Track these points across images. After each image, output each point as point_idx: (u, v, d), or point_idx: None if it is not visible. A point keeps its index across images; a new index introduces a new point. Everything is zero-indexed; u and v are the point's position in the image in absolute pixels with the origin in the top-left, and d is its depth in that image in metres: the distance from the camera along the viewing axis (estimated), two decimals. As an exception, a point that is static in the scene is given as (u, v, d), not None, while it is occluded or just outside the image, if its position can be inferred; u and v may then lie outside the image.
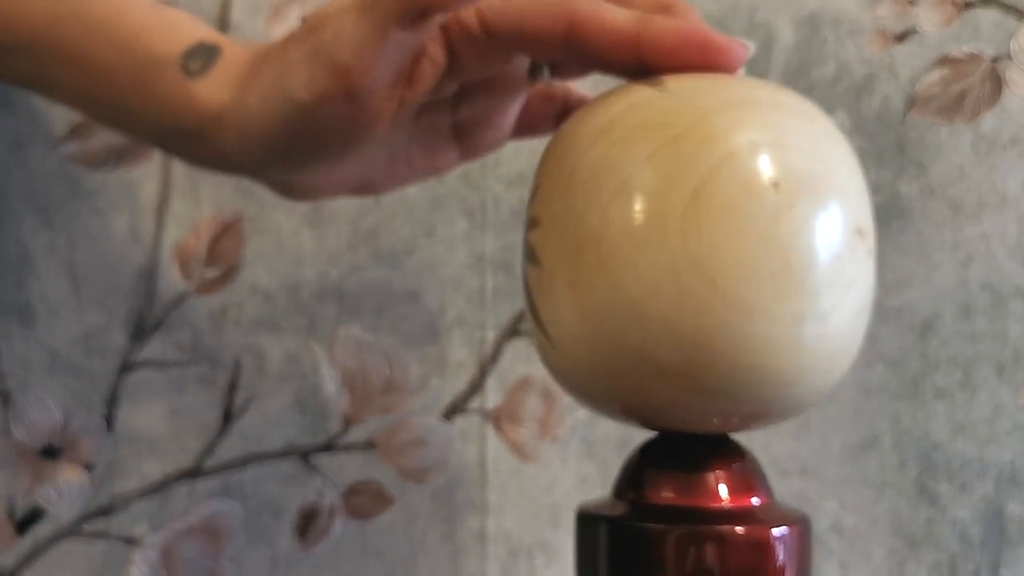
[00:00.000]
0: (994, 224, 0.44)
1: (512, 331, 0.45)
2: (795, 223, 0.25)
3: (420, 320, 0.45)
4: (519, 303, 0.45)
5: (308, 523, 0.45)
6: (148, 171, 0.45)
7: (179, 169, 0.45)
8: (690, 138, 0.25)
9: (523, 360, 0.45)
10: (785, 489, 0.46)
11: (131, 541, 0.45)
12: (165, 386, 0.45)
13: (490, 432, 0.45)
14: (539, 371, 0.45)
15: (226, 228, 0.45)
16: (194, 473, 0.45)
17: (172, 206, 0.45)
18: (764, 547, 0.27)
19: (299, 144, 0.29)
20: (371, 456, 0.45)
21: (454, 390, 0.45)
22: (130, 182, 0.45)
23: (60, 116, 0.44)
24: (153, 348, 0.45)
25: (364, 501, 0.45)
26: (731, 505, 0.28)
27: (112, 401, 0.45)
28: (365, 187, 0.34)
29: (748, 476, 0.29)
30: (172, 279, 0.45)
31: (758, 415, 0.27)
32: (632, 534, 0.27)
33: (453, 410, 0.45)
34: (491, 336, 0.45)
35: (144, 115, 0.31)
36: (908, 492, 0.45)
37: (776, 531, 0.27)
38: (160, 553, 0.45)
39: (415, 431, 0.45)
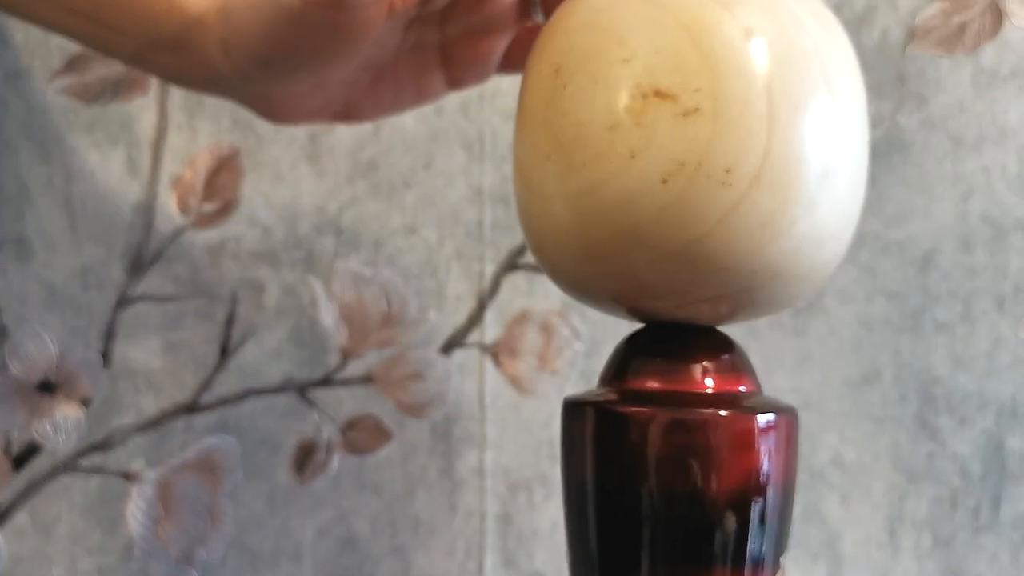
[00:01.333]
0: (994, 157, 0.45)
1: (511, 264, 0.45)
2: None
3: (418, 254, 0.45)
4: (518, 236, 0.45)
5: (306, 458, 0.45)
6: (145, 104, 0.45)
7: (176, 102, 0.45)
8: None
9: (522, 294, 0.45)
10: (785, 423, 0.46)
11: (128, 476, 0.45)
12: (162, 321, 0.45)
13: (489, 366, 0.45)
14: (538, 305, 0.45)
15: (223, 162, 0.45)
16: (191, 408, 0.45)
17: (169, 140, 0.45)
18: (749, 433, 0.27)
19: (285, 51, 0.29)
20: (369, 390, 0.45)
21: (453, 324, 0.45)
22: (127, 115, 0.45)
23: (56, 49, 0.44)
24: (150, 282, 0.45)
25: (362, 436, 0.45)
26: (716, 391, 0.28)
27: (109, 336, 0.45)
28: (351, 111, 0.34)
29: (736, 367, 0.29)
30: (169, 213, 0.45)
31: (748, 297, 0.27)
32: (617, 419, 0.28)
33: (452, 344, 0.45)
34: (490, 270, 0.45)
35: (124, 24, 0.31)
36: (908, 426, 0.45)
37: (762, 418, 0.27)
38: (157, 488, 0.45)
39: (413, 365, 0.45)
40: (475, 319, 0.46)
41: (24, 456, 0.46)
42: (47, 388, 0.46)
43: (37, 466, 0.46)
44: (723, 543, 0.28)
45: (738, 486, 0.28)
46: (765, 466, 0.28)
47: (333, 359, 0.46)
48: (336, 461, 0.46)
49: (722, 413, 0.28)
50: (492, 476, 0.46)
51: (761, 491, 0.28)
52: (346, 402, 0.46)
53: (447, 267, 0.46)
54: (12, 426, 0.46)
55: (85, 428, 0.46)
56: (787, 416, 0.29)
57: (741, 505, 0.28)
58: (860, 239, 0.45)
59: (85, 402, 0.46)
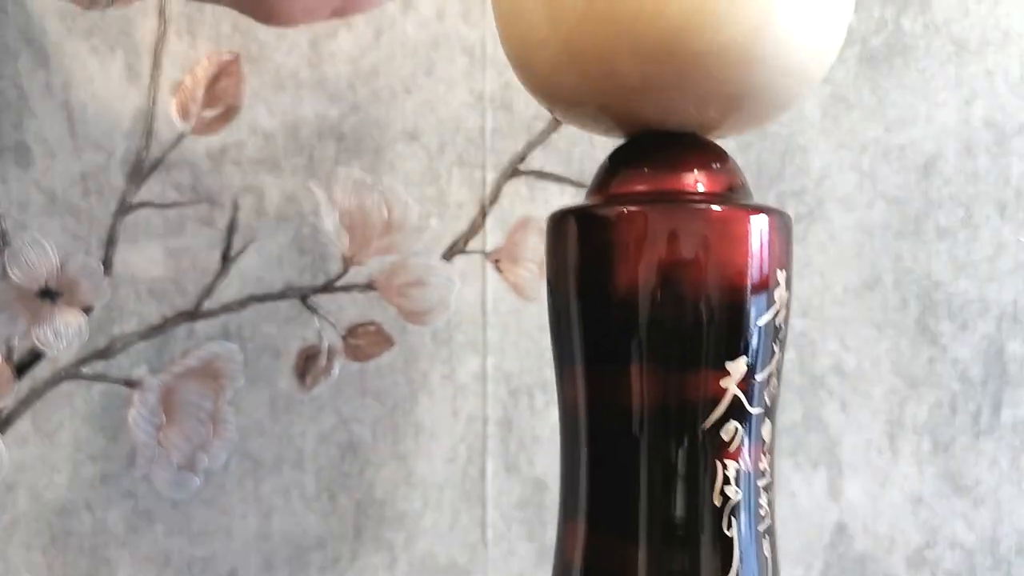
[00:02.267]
0: (997, 61, 0.45)
1: (512, 171, 0.45)
2: None
3: (419, 160, 0.45)
4: (520, 143, 0.46)
5: (307, 364, 0.45)
6: (144, 8, 0.45)
7: (175, 8, 0.45)
8: None
9: (523, 200, 0.45)
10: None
11: (130, 383, 0.45)
12: (163, 227, 0.45)
13: (490, 272, 0.45)
14: (539, 211, 0.45)
15: (224, 68, 0.45)
16: (193, 315, 0.45)
17: (169, 46, 0.45)
18: (742, 229, 0.27)
19: None
20: (371, 297, 0.45)
21: (454, 231, 0.45)
22: (126, 21, 0.45)
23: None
24: (151, 189, 0.45)
25: (364, 342, 0.45)
26: (708, 192, 0.28)
27: (110, 242, 0.45)
28: (349, 3, 0.33)
29: (727, 172, 0.29)
30: (170, 120, 0.45)
31: (735, 97, 0.27)
32: (600, 222, 0.28)
33: (453, 251, 0.45)
34: (491, 176, 0.45)
35: None
36: (909, 332, 0.45)
37: (755, 216, 0.27)
38: (159, 395, 0.45)
39: (415, 272, 0.45)
40: (476, 226, 0.46)
41: (26, 363, 0.46)
42: (48, 295, 0.46)
43: (39, 373, 0.46)
44: (715, 344, 0.28)
45: (730, 285, 0.28)
46: (758, 265, 0.28)
47: (334, 266, 0.46)
48: (338, 367, 0.46)
49: (715, 208, 0.28)
50: (493, 382, 0.46)
51: (755, 290, 0.28)
52: (348, 309, 0.46)
53: (448, 174, 0.46)
54: (14, 333, 0.46)
55: (87, 335, 0.46)
56: (780, 219, 0.29)
57: (734, 305, 0.28)
58: (861, 145, 0.45)
59: (86, 309, 0.46)
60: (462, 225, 0.46)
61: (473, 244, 0.46)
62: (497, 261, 0.46)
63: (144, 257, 0.46)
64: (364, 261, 0.46)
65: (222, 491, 0.47)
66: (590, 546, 0.29)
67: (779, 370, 0.29)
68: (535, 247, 0.46)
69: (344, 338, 0.47)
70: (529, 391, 0.47)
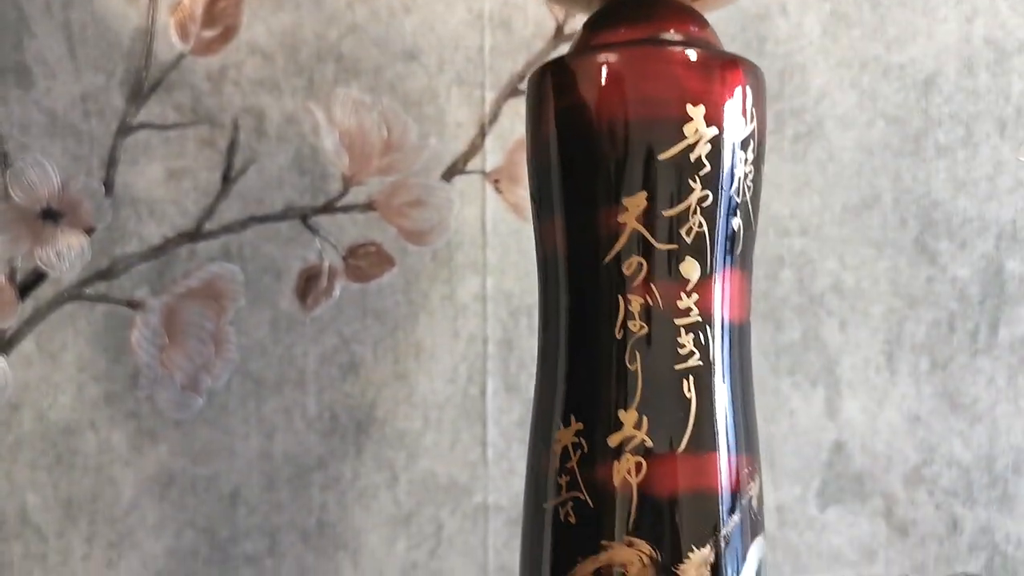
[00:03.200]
0: (998, -23, 0.45)
1: (511, 91, 0.45)
2: None
3: (418, 80, 0.45)
4: (519, 62, 0.46)
5: (308, 285, 0.46)
6: (143, -72, 0.45)
7: (174, -76, 0.45)
8: None
9: (523, 120, 0.45)
10: (785, 248, 0.46)
11: (132, 304, 0.46)
12: (164, 148, 0.45)
13: (490, 192, 0.46)
14: (539, 130, 0.45)
15: (222, -12, 0.45)
16: (194, 236, 0.46)
17: (167, -34, 0.45)
18: (651, 69, 0.29)
19: None
20: (371, 217, 0.46)
21: (453, 151, 0.46)
22: (124, -59, 0.45)
23: None
24: (151, 110, 0.45)
25: (364, 263, 0.46)
26: (683, 41, 0.30)
27: (111, 163, 0.46)
28: None
29: (705, 35, 0.29)
30: (169, 40, 0.45)
31: None
32: (575, 69, 0.30)
33: (452, 171, 0.46)
34: (490, 96, 0.45)
35: None
36: (908, 251, 0.46)
37: (727, 63, 0.29)
38: (161, 316, 0.46)
39: (415, 192, 0.45)
40: (476, 146, 0.46)
41: (29, 284, 0.47)
42: (50, 216, 0.46)
43: (42, 294, 0.47)
44: (613, 179, 0.30)
45: (624, 120, 0.29)
46: (731, 110, 0.29)
47: (335, 186, 0.46)
48: (339, 288, 0.47)
49: (689, 52, 0.29)
50: (493, 302, 0.46)
51: (655, 124, 0.29)
52: (348, 229, 0.46)
53: (447, 94, 0.46)
54: (16, 254, 0.46)
55: (89, 256, 0.46)
56: (755, 70, 0.29)
57: (630, 139, 0.29)
58: (861, 63, 0.45)
59: (88, 230, 0.46)
60: (461, 145, 0.47)
61: (472, 164, 0.47)
62: (496, 181, 0.47)
63: (145, 178, 0.47)
64: (364, 181, 0.47)
65: (224, 411, 0.47)
66: (537, 384, 0.33)
67: (711, 209, 0.30)
68: (534, 167, 0.46)
69: (345, 259, 0.47)
70: (529, 311, 0.47)
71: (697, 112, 0.29)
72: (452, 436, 0.48)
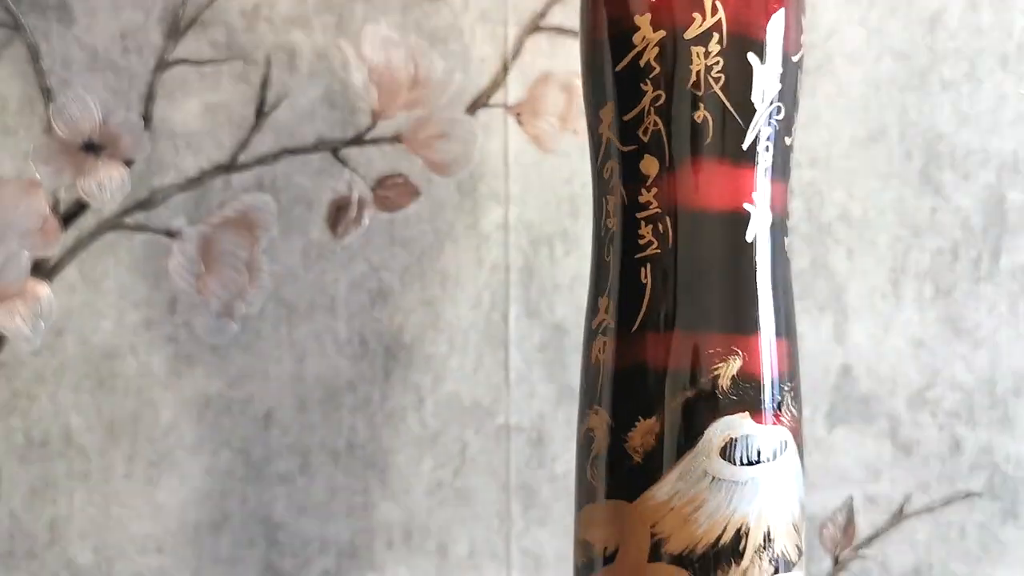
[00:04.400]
0: (1002, -83, 0.47)
1: (534, 27, 0.48)
2: None
3: (443, 17, 0.47)
4: (540, 0, 0.48)
5: (339, 215, 0.48)
6: None
7: None
8: None
9: (544, 55, 0.48)
10: (795, 180, 0.48)
11: (170, 233, 0.48)
12: (200, 83, 0.48)
13: (512, 125, 0.48)
14: (560, 66, 0.48)
15: (255, -71, 0.47)
16: (229, 168, 0.48)
17: (202, -92, 0.47)
18: None
19: None
20: (398, 150, 0.48)
21: (477, 86, 0.48)
22: None
23: None
24: (188, 47, 0.48)
25: (392, 193, 0.48)
26: None
27: (149, 98, 0.48)
28: None
29: None
30: (204, -21, 0.47)
31: None
32: None
33: (476, 105, 0.48)
34: (513, 32, 0.48)
35: None
36: (913, 182, 0.48)
37: None
38: (198, 245, 0.48)
39: (440, 125, 0.48)
40: (499, 81, 0.49)
41: (72, 214, 0.49)
42: (91, 149, 0.49)
43: (84, 224, 0.49)
44: (593, 92, 0.35)
45: (592, 37, 0.34)
46: (615, 15, 0.33)
47: (364, 120, 0.49)
48: (367, 217, 0.49)
49: None
50: (515, 231, 0.49)
51: (611, 39, 0.33)
52: (376, 161, 0.49)
53: (471, 30, 0.48)
54: (60, 185, 0.49)
55: (128, 187, 0.49)
56: None
57: (596, 54, 0.34)
58: (869, 0, 0.47)
59: (128, 162, 0.49)
60: (485, 80, 0.49)
61: (495, 98, 0.49)
62: (518, 114, 0.49)
63: (182, 112, 0.49)
64: (392, 115, 0.49)
65: (258, 336, 0.50)
66: None
67: (664, 107, 0.33)
68: (555, 101, 0.49)
69: (373, 189, 0.49)
70: (549, 240, 0.49)
71: (644, 20, 0.33)
72: (476, 360, 0.50)
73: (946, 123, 0.49)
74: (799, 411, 0.35)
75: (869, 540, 0.51)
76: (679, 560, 0.33)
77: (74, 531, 0.51)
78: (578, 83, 0.48)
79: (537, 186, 0.50)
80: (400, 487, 0.51)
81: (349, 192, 0.50)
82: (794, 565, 0.34)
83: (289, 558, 0.51)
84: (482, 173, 0.50)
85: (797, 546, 0.34)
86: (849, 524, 0.51)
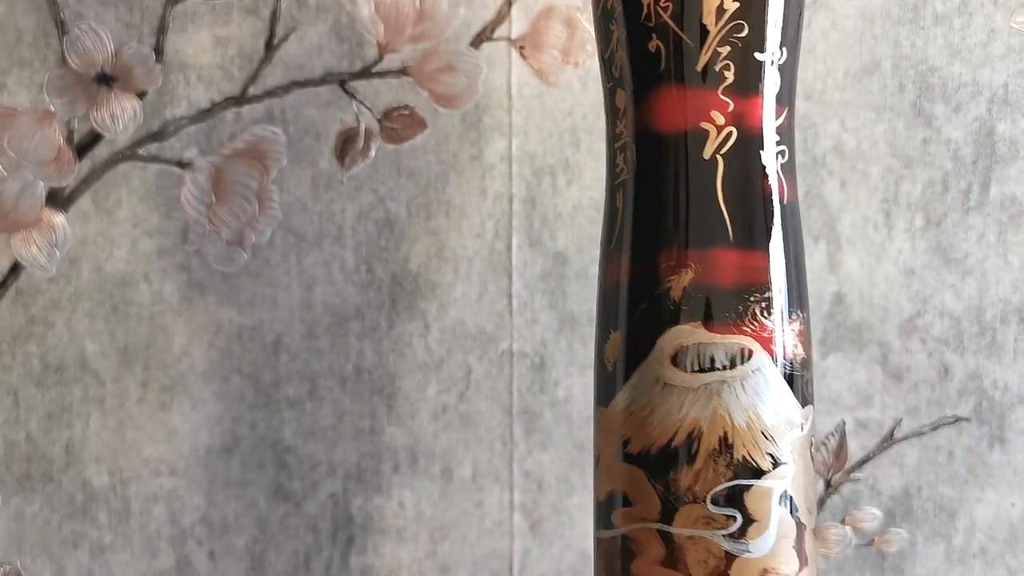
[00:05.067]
0: None
1: (536, -38, 0.49)
2: None
3: (449, -48, 0.48)
4: (543, -66, 0.49)
5: (346, 146, 0.50)
6: None
7: None
8: None
9: (547, -10, 0.49)
10: (791, 112, 0.50)
11: (182, 164, 0.50)
12: (211, 17, 0.49)
13: (515, 59, 0.49)
14: (561, 1, 0.48)
15: None
16: (239, 100, 0.49)
17: None
18: None
19: None
20: (404, 82, 0.49)
21: (482, 19, 0.49)
22: None
23: None
24: (198, -20, 0.49)
25: (399, 125, 0.50)
26: None
27: (161, 31, 0.49)
28: None
29: None
30: (214, -86, 0.48)
31: None
32: None
33: (481, 38, 0.49)
34: (516, -33, 0.49)
35: None
36: (905, 114, 0.49)
37: None
38: (209, 175, 0.50)
39: (445, 58, 0.49)
40: (502, 14, 0.50)
41: (86, 145, 0.50)
42: (105, 81, 0.50)
43: (98, 154, 0.50)
44: (601, 41, 0.37)
45: None
46: None
47: (371, 53, 0.50)
48: (374, 148, 0.50)
49: None
50: (518, 162, 0.50)
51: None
52: (383, 93, 0.50)
53: (476, -35, 0.49)
54: (74, 116, 0.50)
55: (141, 118, 0.50)
56: None
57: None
58: (865, -64, 0.48)
59: (140, 94, 0.50)
60: (489, 13, 0.50)
61: (499, 32, 0.50)
62: (522, 48, 0.50)
63: (193, 45, 0.50)
64: (398, 48, 0.50)
65: (268, 265, 0.51)
66: None
67: (625, 43, 0.36)
68: (557, 34, 0.50)
69: (380, 121, 0.51)
70: (551, 171, 0.51)
71: None
72: (480, 288, 0.52)
73: (938, 56, 0.50)
74: (783, 322, 0.36)
75: (860, 464, 0.53)
76: (637, 460, 0.35)
77: (89, 454, 0.52)
78: (579, 16, 0.50)
79: (540, 118, 0.51)
80: (406, 412, 0.52)
81: (356, 124, 0.51)
82: (765, 473, 0.35)
83: (297, 481, 0.53)
84: (486, 105, 0.51)
85: (770, 455, 0.35)
86: (841, 448, 0.53)
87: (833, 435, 0.52)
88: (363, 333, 0.52)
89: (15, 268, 0.51)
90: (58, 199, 0.51)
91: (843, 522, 0.53)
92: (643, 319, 0.35)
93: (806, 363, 0.36)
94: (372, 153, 0.51)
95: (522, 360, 0.52)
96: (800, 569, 0.35)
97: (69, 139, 0.51)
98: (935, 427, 0.52)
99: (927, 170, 0.51)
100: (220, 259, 0.52)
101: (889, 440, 0.53)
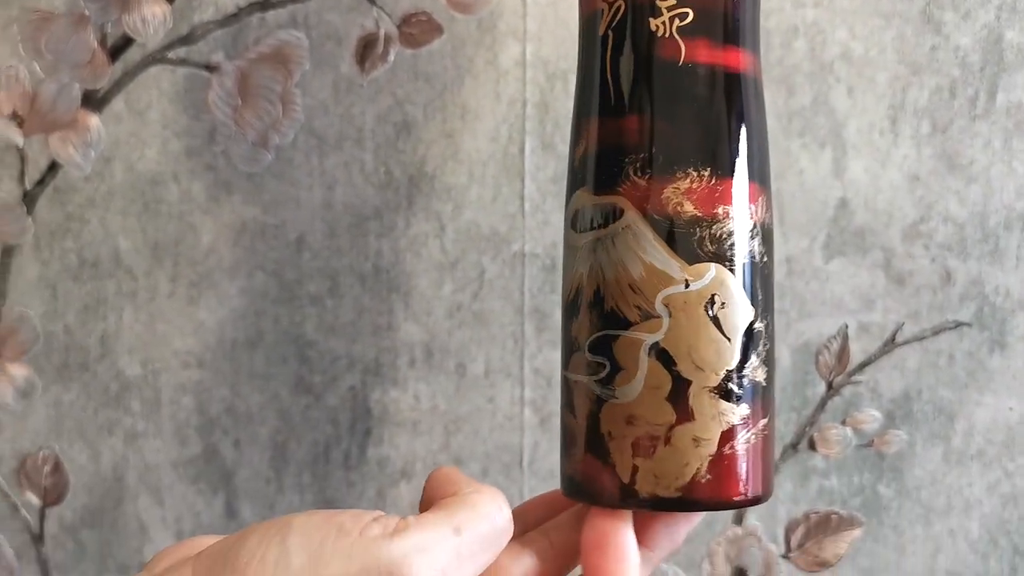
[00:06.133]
0: None
1: None
2: None
3: None
4: None
5: (366, 51, 0.52)
6: None
7: None
8: None
9: (561, -103, 0.50)
10: (799, 19, 0.51)
11: (210, 67, 0.52)
12: (236, -76, 0.51)
13: (530, -35, 0.50)
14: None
15: None
16: (264, 5, 0.52)
17: None
18: None
19: None
20: (422, -12, 0.51)
21: (498, -73, 0.50)
22: None
23: None
24: None
25: (416, 31, 0.51)
26: None
27: (190, -62, 0.51)
28: None
29: None
30: None
31: None
32: None
33: (497, -55, 0.51)
34: None
35: None
36: (914, 21, 0.50)
37: None
38: (235, 78, 0.52)
39: (462, -35, 0.50)
40: (518, -78, 0.51)
41: (119, 48, 0.53)
42: (136, -14, 0.52)
43: (130, 57, 0.53)
44: None
45: None
46: None
47: (390, -41, 0.52)
48: (393, 53, 0.52)
49: None
50: (532, 67, 0.52)
51: None
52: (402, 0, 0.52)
53: None
54: (107, 21, 0.53)
55: (171, 23, 0.52)
56: None
57: None
58: None
59: (170, 0, 0.52)
60: (505, -79, 0.52)
61: (515, -61, 0.52)
62: (536, -45, 0.52)
63: (220, -49, 0.52)
64: (416, -45, 0.52)
65: (290, 165, 0.54)
66: None
67: None
68: (571, -59, 0.51)
69: (399, 27, 0.53)
70: (564, 75, 0.52)
71: None
72: (494, 190, 0.54)
73: (947, -36, 0.51)
74: (663, 181, 0.37)
75: (862, 367, 0.54)
76: (563, 310, 0.39)
77: (123, 346, 0.56)
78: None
79: (553, 23, 0.53)
80: (422, 309, 0.55)
81: (376, 29, 0.53)
82: (632, 325, 0.37)
83: (318, 374, 0.55)
84: (501, 11, 0.53)
85: (637, 307, 0.37)
86: (843, 351, 0.54)
87: (835, 338, 0.54)
88: (381, 233, 0.54)
89: (53, 167, 0.54)
90: (92, 101, 0.54)
91: (843, 423, 0.55)
92: (568, 190, 0.40)
93: (698, 220, 0.36)
94: (391, 58, 0.53)
95: (533, 261, 0.54)
96: (679, 422, 0.36)
97: (103, 42, 0.53)
98: (936, 331, 0.54)
99: (935, 77, 0.52)
100: (245, 160, 0.54)
101: (891, 344, 0.54)
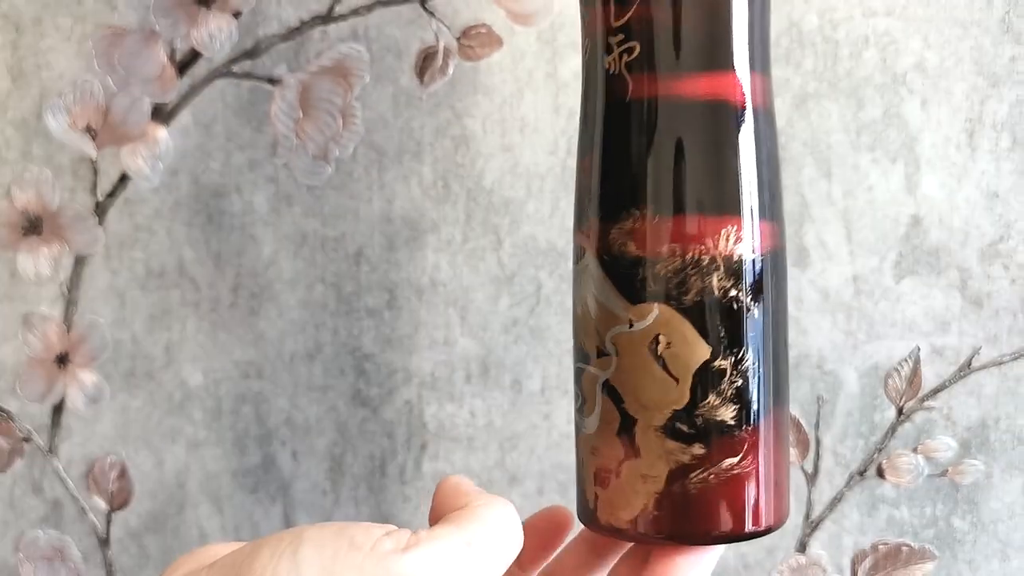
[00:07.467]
0: None
1: None
2: None
3: None
4: None
5: (426, 64, 0.52)
6: None
7: None
8: None
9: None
10: (869, 28, 0.49)
11: (272, 81, 0.53)
12: (301, -61, 0.51)
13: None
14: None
15: None
16: (326, 19, 0.52)
17: None
18: None
19: None
20: (482, 1, 0.51)
21: (558, -62, 0.50)
22: None
23: None
24: (290, -96, 0.51)
25: (476, 43, 0.52)
26: None
27: (255, -46, 0.52)
28: None
29: None
30: None
31: None
32: None
33: (557, -43, 0.50)
34: None
35: None
36: (993, 30, 0.48)
37: None
38: (297, 91, 0.53)
39: (522, -23, 0.50)
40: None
41: (186, 62, 0.54)
42: (204, 1, 0.54)
43: (197, 71, 0.54)
44: None
45: None
46: None
47: (450, -28, 0.52)
48: (452, 66, 0.52)
49: None
50: (592, 79, 0.51)
51: None
52: (462, 12, 0.52)
53: None
54: (176, 36, 0.54)
55: (236, 37, 0.53)
56: None
57: None
58: None
59: (236, 14, 0.54)
60: (566, -67, 0.51)
61: (575, -50, 0.51)
62: (597, -34, 0.51)
63: (284, -34, 0.53)
64: (476, -32, 0.52)
65: (350, 178, 0.54)
66: None
67: None
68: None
69: (458, 39, 0.53)
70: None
71: None
72: (551, 204, 0.53)
73: (1029, -30, 0.49)
74: (609, 222, 0.37)
75: (935, 392, 0.52)
76: None
77: (186, 355, 0.57)
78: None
79: None
80: (478, 323, 0.54)
81: (436, 42, 0.53)
82: (591, 360, 0.37)
83: (375, 387, 0.56)
84: (561, 23, 0.52)
85: (595, 344, 0.37)
86: (915, 375, 0.52)
87: (907, 361, 0.52)
88: (439, 247, 0.54)
89: (123, 179, 0.56)
90: (161, 114, 0.55)
91: (915, 451, 0.52)
92: None
93: (640, 260, 0.36)
94: (450, 71, 0.53)
95: (591, 276, 0.53)
96: (626, 458, 0.36)
97: (172, 57, 0.55)
98: (1016, 357, 0.51)
99: (1015, 89, 0.50)
100: (306, 172, 0.55)
101: (967, 368, 0.52)
